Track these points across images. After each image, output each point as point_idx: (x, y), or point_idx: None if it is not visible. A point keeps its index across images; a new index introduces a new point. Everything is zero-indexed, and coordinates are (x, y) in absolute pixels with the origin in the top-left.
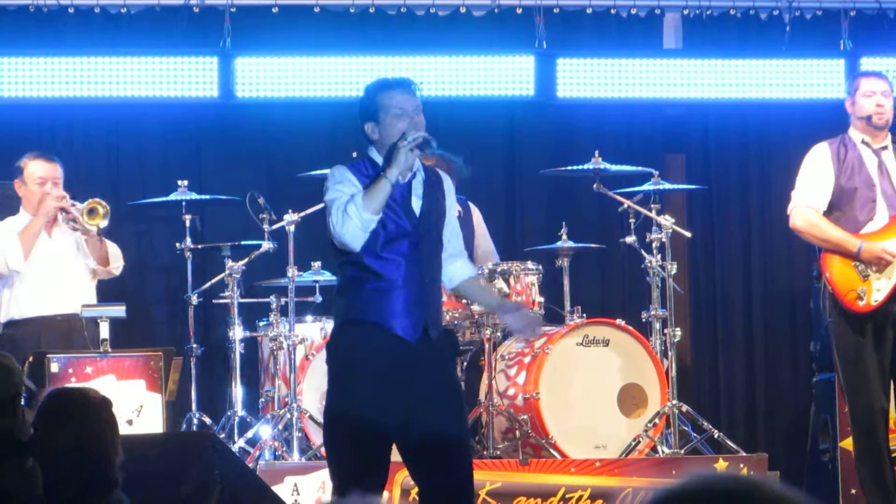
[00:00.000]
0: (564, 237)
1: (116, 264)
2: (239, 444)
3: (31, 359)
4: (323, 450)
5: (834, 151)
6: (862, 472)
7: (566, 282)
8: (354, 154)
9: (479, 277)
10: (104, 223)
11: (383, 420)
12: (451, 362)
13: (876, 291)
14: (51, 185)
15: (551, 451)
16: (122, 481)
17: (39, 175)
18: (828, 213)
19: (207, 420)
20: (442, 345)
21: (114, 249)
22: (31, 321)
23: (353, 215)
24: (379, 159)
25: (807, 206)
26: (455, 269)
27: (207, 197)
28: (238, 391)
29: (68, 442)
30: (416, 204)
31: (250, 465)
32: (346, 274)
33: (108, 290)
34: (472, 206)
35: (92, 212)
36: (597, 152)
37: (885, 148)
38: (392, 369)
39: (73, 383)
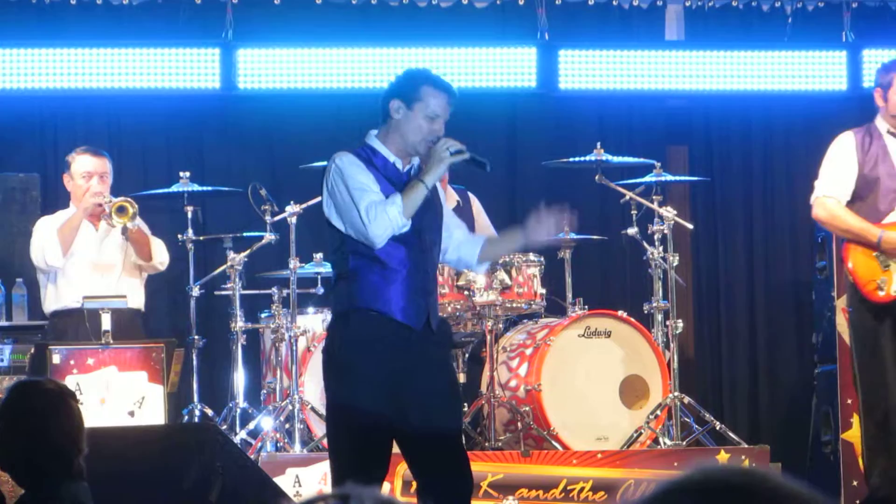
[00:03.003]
0: (566, 229)
1: (160, 259)
2: (240, 435)
3: (32, 350)
4: (325, 441)
5: (859, 141)
6: (870, 463)
7: (568, 273)
8: None
9: (484, 239)
10: (132, 223)
11: (387, 410)
12: (449, 352)
13: None
14: (96, 180)
15: (553, 442)
16: (85, 473)
17: (86, 169)
18: (850, 203)
19: (209, 411)
20: (441, 334)
21: (157, 245)
22: (75, 312)
23: (393, 217)
24: (378, 145)
25: (829, 197)
26: (467, 249)
27: (209, 188)
28: (240, 382)
29: (24, 436)
30: None
31: (252, 456)
32: (349, 263)
33: None
34: (471, 195)
35: (121, 210)
36: (599, 144)
37: None
38: (397, 358)
39: (75, 374)
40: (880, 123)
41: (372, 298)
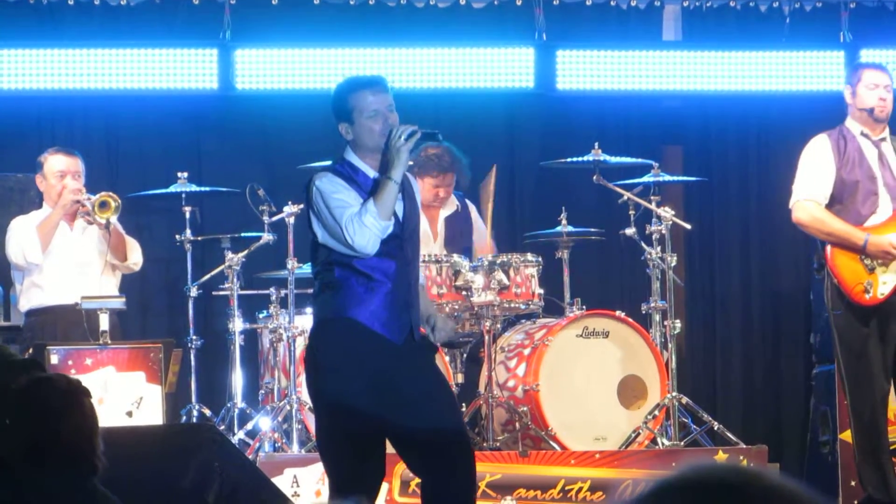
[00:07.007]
0: (564, 222)
1: (135, 259)
2: (239, 435)
3: (31, 350)
4: None
5: (833, 143)
6: (861, 465)
7: (566, 273)
8: None
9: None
10: (114, 217)
11: (374, 412)
12: (434, 360)
13: (882, 284)
14: (70, 179)
15: (551, 442)
16: (98, 470)
17: (59, 168)
18: (829, 207)
19: (207, 412)
20: (422, 345)
21: (133, 245)
22: (50, 310)
23: (371, 225)
24: (357, 161)
25: (809, 200)
26: None
27: (207, 189)
28: (238, 383)
29: (34, 432)
30: (399, 206)
31: (250, 456)
32: (334, 273)
33: None
34: (469, 202)
35: (103, 205)
36: (596, 144)
37: (883, 139)
38: (379, 364)
39: (73, 375)
40: (852, 125)
41: (355, 309)
